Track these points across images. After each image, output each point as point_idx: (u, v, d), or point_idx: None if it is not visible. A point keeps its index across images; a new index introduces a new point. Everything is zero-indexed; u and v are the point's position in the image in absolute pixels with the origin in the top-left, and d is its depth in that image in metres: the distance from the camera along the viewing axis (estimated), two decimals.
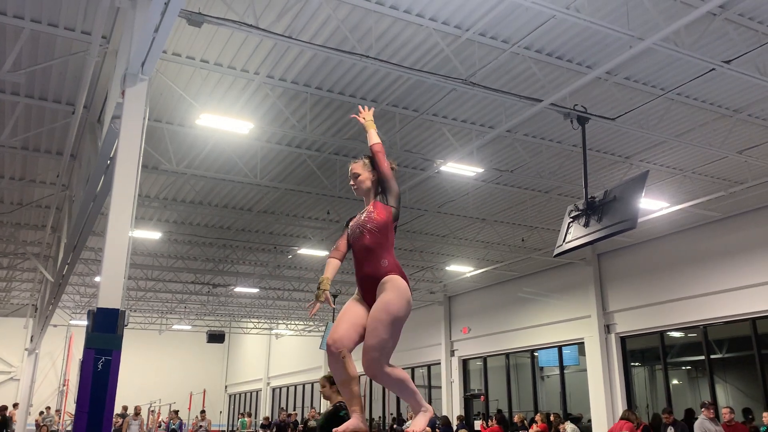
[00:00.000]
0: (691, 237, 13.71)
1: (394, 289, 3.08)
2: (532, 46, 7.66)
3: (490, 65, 7.84)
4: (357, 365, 3.08)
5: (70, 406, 22.49)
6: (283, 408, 24.74)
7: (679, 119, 9.42)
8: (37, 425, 19.82)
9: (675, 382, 15.04)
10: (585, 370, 15.69)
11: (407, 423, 18.08)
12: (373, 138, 3.53)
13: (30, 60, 7.68)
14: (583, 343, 15.83)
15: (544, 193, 12.25)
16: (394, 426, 20.50)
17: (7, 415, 17.34)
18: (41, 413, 21.33)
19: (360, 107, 3.74)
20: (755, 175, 10.89)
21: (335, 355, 3.08)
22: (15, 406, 18.25)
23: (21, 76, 7.54)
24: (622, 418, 11.27)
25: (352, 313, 3.17)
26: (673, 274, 13.95)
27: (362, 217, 3.31)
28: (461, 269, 17.40)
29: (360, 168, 3.45)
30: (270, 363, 31.81)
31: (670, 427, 11.49)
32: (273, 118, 9.31)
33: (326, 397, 5.89)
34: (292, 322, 26.92)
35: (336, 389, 5.71)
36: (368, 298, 3.18)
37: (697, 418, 13.34)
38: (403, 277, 3.17)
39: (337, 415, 5.57)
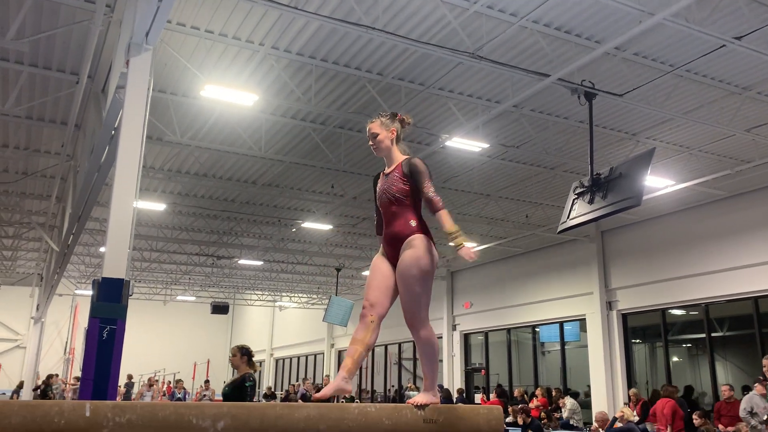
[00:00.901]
0: (695, 215, 13.68)
1: (421, 246, 3.15)
2: (541, 19, 7.56)
3: (497, 39, 7.75)
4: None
5: (76, 374, 22.77)
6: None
7: (688, 96, 9.32)
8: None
9: (675, 359, 15.13)
10: (586, 346, 15.79)
11: (409, 394, 18.28)
12: (447, 218, 3.17)
13: (34, 28, 7.62)
14: (584, 319, 15.90)
15: (549, 169, 12.20)
16: (402, 392, 20.76)
17: (51, 383, 17.76)
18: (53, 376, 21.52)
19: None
20: (763, 153, 10.82)
21: (366, 319, 3.17)
22: (51, 377, 18.58)
23: (25, 44, 7.48)
24: (664, 396, 10.82)
25: (381, 276, 3.24)
26: (676, 252, 13.94)
27: (387, 183, 3.31)
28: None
29: (378, 127, 3.37)
30: (273, 334, 32.08)
31: None
32: (278, 90, 9.25)
33: (235, 366, 6.06)
34: (296, 295, 27.08)
35: (245, 360, 5.98)
36: (392, 256, 3.24)
37: (696, 396, 13.49)
38: (429, 235, 3.23)
39: (244, 385, 5.82)
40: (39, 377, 19.30)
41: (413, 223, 3.22)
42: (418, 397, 3.04)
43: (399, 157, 3.39)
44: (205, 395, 19.50)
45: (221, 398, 6.09)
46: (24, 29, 7.52)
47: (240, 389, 5.82)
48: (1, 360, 27.26)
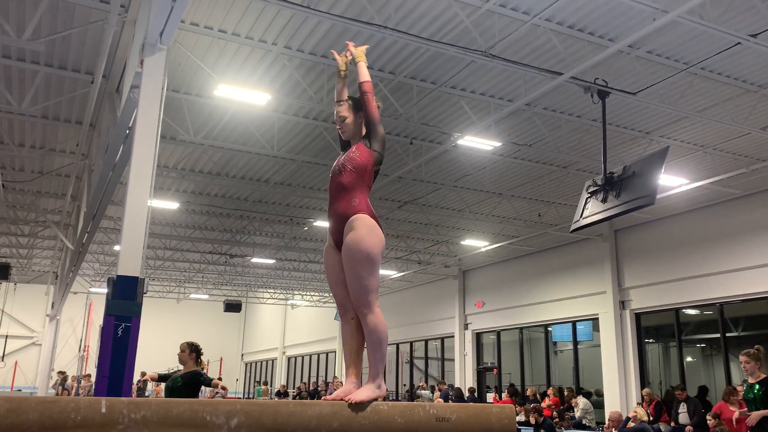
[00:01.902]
0: (709, 214, 13.57)
1: (363, 226, 3.05)
2: (554, 17, 7.53)
3: (510, 37, 7.73)
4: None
5: (90, 372, 22.95)
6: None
7: (702, 94, 9.25)
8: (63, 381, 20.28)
9: (689, 359, 15.02)
10: (599, 345, 15.71)
11: (421, 393, 18.28)
12: (365, 74, 3.40)
13: (50, 29, 7.70)
14: (597, 318, 15.83)
15: (562, 168, 12.15)
16: (414, 390, 20.76)
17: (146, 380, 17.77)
18: (60, 373, 21.66)
19: (349, 42, 3.59)
20: None
21: (347, 316, 3.14)
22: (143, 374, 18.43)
23: (41, 44, 7.55)
24: (723, 399, 10.07)
25: (334, 270, 3.16)
26: (690, 251, 13.84)
27: (343, 158, 3.25)
28: (476, 244, 17.40)
29: (346, 110, 3.36)
30: (285, 333, 32.20)
31: (683, 404, 11.53)
32: (290, 90, 9.28)
33: (182, 362, 6.19)
34: (308, 293, 27.16)
35: (194, 357, 6.15)
36: (337, 238, 3.14)
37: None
38: (373, 217, 3.12)
39: (196, 380, 6.01)
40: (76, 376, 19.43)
41: (356, 201, 3.12)
42: (359, 393, 2.87)
43: None
44: (217, 393, 19.62)
45: (164, 392, 6.23)
46: (40, 29, 7.60)
47: (191, 385, 5.96)
48: (17, 357, 27.54)
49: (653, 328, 15.47)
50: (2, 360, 24.24)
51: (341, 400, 2.81)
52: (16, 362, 27.38)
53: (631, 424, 11.09)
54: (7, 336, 25.08)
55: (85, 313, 28.66)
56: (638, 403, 13.22)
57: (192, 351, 6.16)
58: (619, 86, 8.62)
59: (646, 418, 11.34)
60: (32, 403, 2.29)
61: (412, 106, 9.54)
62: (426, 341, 22.63)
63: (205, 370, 6.36)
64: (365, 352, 3.13)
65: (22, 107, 9.24)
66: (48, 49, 8.12)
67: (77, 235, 13.12)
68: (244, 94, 8.60)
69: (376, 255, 3.03)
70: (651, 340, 15.60)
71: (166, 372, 6.95)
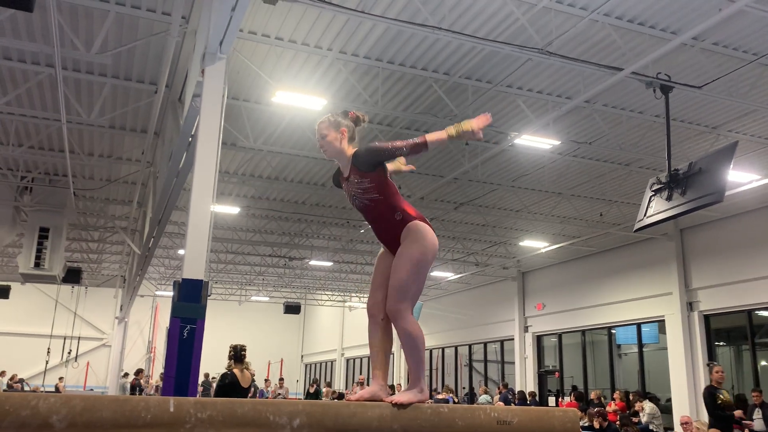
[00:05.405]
0: None
1: (412, 235, 2.98)
2: (613, 12, 7.35)
3: (567, 33, 7.58)
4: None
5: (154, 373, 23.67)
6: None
7: None
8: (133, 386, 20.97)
9: (764, 363, 14.36)
10: (665, 348, 15.21)
11: (480, 397, 18.11)
12: (436, 135, 3.04)
13: (115, 42, 8.01)
14: (663, 320, 15.33)
15: (624, 165, 11.83)
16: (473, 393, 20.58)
17: (320, 388, 18.39)
18: (125, 374, 22.30)
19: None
20: None
21: (376, 318, 3.09)
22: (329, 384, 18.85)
23: (108, 57, 7.87)
24: None
25: (381, 273, 3.09)
26: (762, 250, 13.23)
27: (351, 188, 3.12)
28: (535, 245, 17.11)
29: (326, 127, 3.17)
30: (344, 334, 32.45)
31: (758, 409, 11.00)
32: (345, 94, 9.36)
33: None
34: (365, 295, 27.28)
35: (231, 356, 6.66)
36: (392, 247, 3.08)
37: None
38: (423, 220, 3.06)
39: (222, 381, 6.56)
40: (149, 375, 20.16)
41: (399, 215, 3.04)
42: (400, 396, 2.84)
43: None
44: (279, 393, 19.96)
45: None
46: (107, 43, 7.91)
47: (219, 386, 6.52)
48: (89, 358, 28.68)
49: (724, 330, 14.86)
50: (75, 360, 25.26)
51: (373, 400, 2.81)
52: (87, 363, 28.52)
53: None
54: (79, 338, 26.13)
55: (151, 316, 29.64)
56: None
57: (230, 352, 6.64)
58: (683, 80, 8.33)
59: None
60: (105, 401, 2.38)
61: (467, 107, 9.47)
62: (485, 344, 22.39)
63: (243, 370, 6.75)
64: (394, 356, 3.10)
65: (91, 118, 9.64)
66: (114, 61, 8.44)
67: (143, 240, 13.58)
68: (301, 100, 8.72)
69: (423, 262, 2.96)
70: (722, 343, 14.99)
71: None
